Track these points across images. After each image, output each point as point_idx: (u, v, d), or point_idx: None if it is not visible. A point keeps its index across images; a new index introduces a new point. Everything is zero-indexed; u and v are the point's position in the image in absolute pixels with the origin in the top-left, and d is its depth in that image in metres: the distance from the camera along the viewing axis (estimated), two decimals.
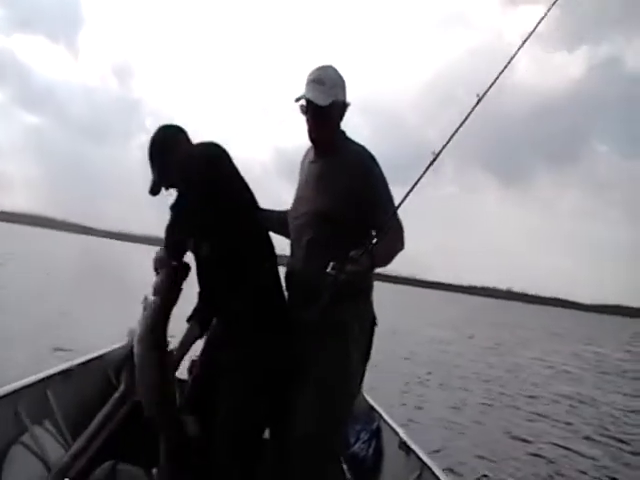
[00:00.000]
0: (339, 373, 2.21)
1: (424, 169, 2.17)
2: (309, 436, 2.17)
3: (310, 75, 2.30)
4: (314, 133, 2.36)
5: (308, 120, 2.33)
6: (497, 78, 2.24)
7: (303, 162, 2.54)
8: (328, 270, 2.06)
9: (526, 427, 8.41)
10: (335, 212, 2.27)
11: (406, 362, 13.71)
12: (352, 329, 2.27)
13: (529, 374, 14.66)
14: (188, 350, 2.41)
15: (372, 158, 2.33)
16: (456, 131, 2.20)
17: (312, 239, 2.33)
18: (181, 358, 2.38)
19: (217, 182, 2.23)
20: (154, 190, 2.40)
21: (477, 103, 2.23)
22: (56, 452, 2.08)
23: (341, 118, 2.37)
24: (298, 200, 2.46)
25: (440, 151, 2.17)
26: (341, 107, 2.32)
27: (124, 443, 2.15)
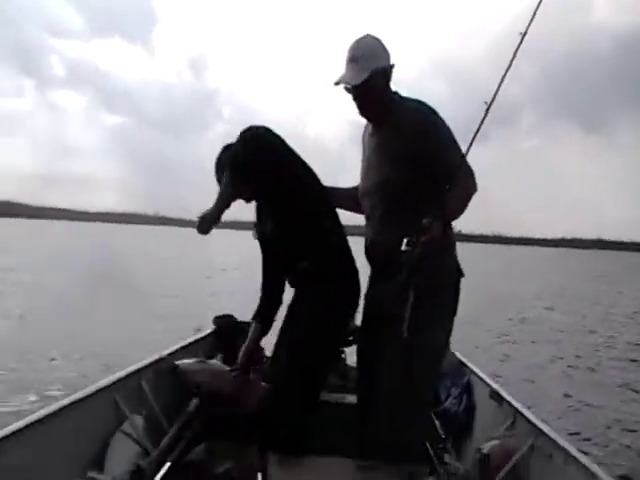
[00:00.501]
0: (422, 329, 2.20)
1: (482, 116, 2.10)
2: (397, 390, 2.22)
3: (347, 53, 2.29)
4: (361, 111, 2.36)
5: (353, 100, 2.32)
6: (535, 13, 2.11)
7: (364, 137, 2.54)
8: (403, 247, 2.06)
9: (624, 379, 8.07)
10: (402, 180, 2.25)
11: (498, 319, 13.52)
12: (435, 288, 2.26)
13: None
14: (254, 348, 2.62)
15: (430, 111, 2.27)
16: (506, 72, 2.10)
17: (384, 212, 2.34)
18: (248, 357, 2.57)
19: (265, 161, 2.28)
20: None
21: (520, 42, 2.12)
22: (155, 439, 2.21)
23: (387, 83, 2.32)
24: (365, 175, 2.47)
25: (495, 93, 2.10)
26: (383, 73, 2.28)
27: (218, 425, 2.25)
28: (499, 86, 2.09)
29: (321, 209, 2.40)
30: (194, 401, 2.46)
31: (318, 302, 2.33)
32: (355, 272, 2.41)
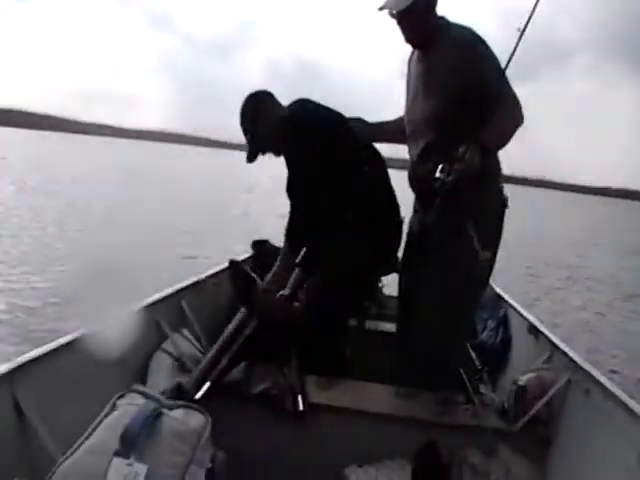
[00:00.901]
0: (461, 267, 2.21)
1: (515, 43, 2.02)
2: (436, 319, 2.27)
3: None
4: (406, 37, 2.29)
5: (398, 24, 2.25)
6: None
7: (410, 61, 2.47)
8: (436, 174, 2.04)
9: None
10: (447, 110, 2.20)
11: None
12: (478, 215, 2.23)
13: None
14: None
15: (477, 39, 2.19)
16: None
17: (427, 143, 2.30)
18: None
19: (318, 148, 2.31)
20: (250, 157, 2.47)
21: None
22: (195, 358, 2.27)
23: (433, 8, 2.24)
24: (411, 104, 2.42)
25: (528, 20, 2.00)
26: None
27: (256, 347, 2.29)
28: (532, 12, 2.00)
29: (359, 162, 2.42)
30: (234, 321, 2.50)
31: (358, 250, 2.37)
32: (395, 219, 2.46)
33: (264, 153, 2.49)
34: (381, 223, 2.42)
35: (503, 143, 2.23)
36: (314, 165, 2.35)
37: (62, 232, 10.38)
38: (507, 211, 2.31)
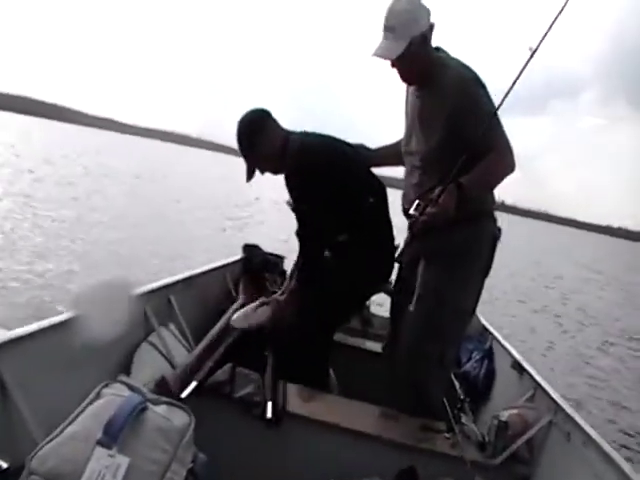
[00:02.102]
0: (439, 291, 2.26)
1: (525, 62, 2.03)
2: (419, 346, 2.29)
3: (383, 20, 2.17)
4: (402, 78, 2.29)
5: (392, 66, 2.23)
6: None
7: (407, 90, 2.46)
8: (411, 211, 2.08)
9: None
10: (437, 152, 2.22)
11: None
12: (465, 252, 2.27)
13: None
14: None
15: (471, 80, 2.18)
16: (555, 19, 2.00)
17: (419, 178, 2.32)
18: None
19: (319, 192, 2.37)
20: (249, 177, 2.50)
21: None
22: (180, 353, 2.25)
23: (427, 46, 2.21)
24: (408, 135, 2.42)
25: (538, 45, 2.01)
26: (421, 39, 2.17)
27: (242, 350, 2.28)
28: (546, 32, 1.99)
29: (356, 187, 2.48)
30: (220, 322, 2.48)
31: (349, 270, 2.42)
32: (388, 240, 2.51)
33: (262, 172, 2.51)
34: (374, 247, 2.45)
35: (490, 187, 2.25)
36: (317, 208, 2.39)
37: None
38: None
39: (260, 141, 2.41)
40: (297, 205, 2.42)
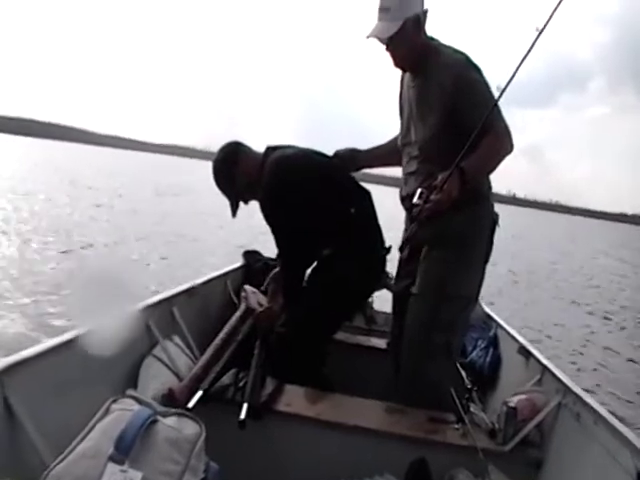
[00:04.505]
0: (441, 278, 2.29)
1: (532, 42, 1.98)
2: (423, 338, 2.29)
3: (379, 3, 2.20)
4: (395, 62, 2.31)
5: (386, 50, 2.26)
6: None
7: (402, 81, 2.49)
8: (414, 200, 2.09)
9: None
10: (437, 139, 2.23)
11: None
12: (465, 238, 2.29)
13: None
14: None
15: (466, 64, 2.20)
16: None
17: (417, 167, 2.34)
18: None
19: (295, 212, 2.37)
20: (234, 212, 2.55)
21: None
22: (185, 364, 2.25)
23: (420, 30, 2.23)
24: (404, 126, 2.45)
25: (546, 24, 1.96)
26: (415, 22, 2.19)
27: (246, 355, 2.28)
28: (553, 12, 1.94)
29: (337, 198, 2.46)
30: (224, 331, 2.49)
31: (340, 276, 2.41)
32: (378, 251, 2.50)
33: (246, 203, 2.53)
34: (361, 254, 2.44)
35: (490, 170, 2.26)
36: (294, 228, 2.40)
37: None
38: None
39: (238, 172, 2.44)
40: (274, 229, 2.41)
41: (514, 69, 2.01)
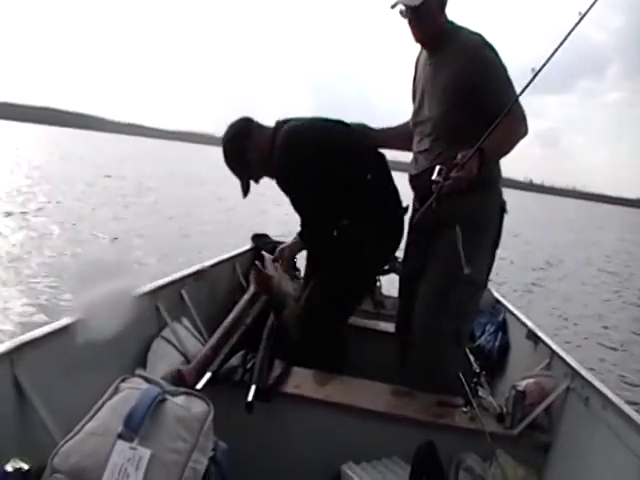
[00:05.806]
0: (451, 263, 2.24)
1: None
2: (432, 322, 2.28)
3: None
4: (416, 36, 2.30)
5: (409, 24, 2.27)
6: None
7: (417, 62, 2.49)
8: (434, 177, 2.06)
9: None
10: (452, 116, 2.23)
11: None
12: (476, 222, 2.27)
13: None
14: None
15: (483, 45, 2.20)
16: None
17: (431, 145, 2.33)
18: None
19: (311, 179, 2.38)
20: (245, 193, 2.52)
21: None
22: (194, 347, 2.26)
23: (442, 9, 2.26)
24: (418, 105, 2.43)
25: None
26: None
27: (255, 338, 2.29)
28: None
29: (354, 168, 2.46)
30: (233, 313, 2.49)
31: (357, 247, 2.42)
32: (396, 214, 2.48)
33: (257, 181, 2.50)
34: (379, 222, 2.43)
35: (505, 153, 2.24)
36: (312, 199, 2.41)
37: None
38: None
39: (249, 146, 2.42)
40: (293, 202, 2.42)
41: (550, 52, 1.91)
